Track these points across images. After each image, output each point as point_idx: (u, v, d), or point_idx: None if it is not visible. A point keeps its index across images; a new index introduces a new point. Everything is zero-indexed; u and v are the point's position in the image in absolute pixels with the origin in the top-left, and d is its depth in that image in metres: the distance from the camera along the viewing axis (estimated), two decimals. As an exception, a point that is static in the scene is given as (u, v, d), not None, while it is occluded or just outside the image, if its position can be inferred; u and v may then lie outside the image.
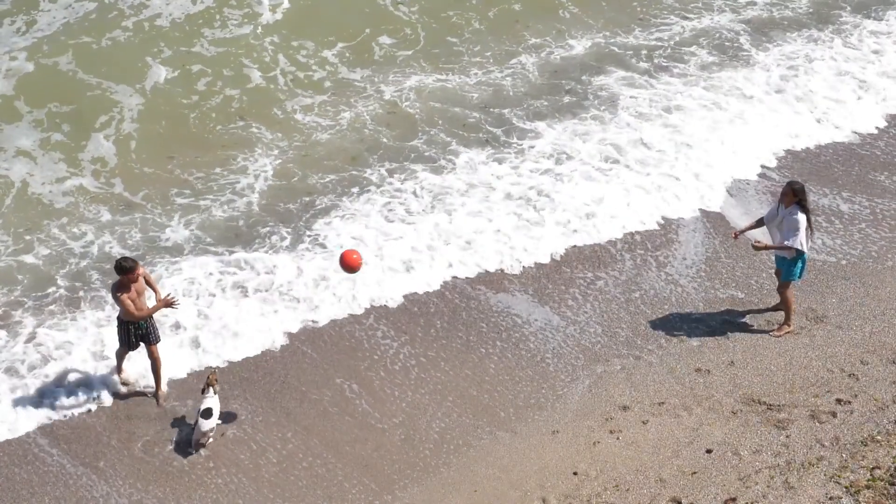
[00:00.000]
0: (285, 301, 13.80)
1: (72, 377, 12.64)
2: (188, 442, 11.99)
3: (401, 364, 12.96)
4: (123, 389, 12.59)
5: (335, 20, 19.12)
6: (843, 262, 14.33)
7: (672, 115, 17.11)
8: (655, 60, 18.48)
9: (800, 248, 12.60)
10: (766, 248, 12.88)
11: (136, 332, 12.27)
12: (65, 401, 12.40)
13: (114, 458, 11.88)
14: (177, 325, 13.31)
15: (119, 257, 12.52)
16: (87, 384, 12.62)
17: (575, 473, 11.53)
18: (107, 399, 12.50)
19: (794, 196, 12.59)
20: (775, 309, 13.47)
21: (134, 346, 12.39)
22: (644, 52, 18.69)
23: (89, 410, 12.37)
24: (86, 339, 13.15)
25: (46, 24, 18.49)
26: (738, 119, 17.10)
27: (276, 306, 13.72)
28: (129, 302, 11.96)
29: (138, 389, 12.60)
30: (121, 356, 12.62)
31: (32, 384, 12.55)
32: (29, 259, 14.28)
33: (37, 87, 17.18)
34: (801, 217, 12.59)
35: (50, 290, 13.81)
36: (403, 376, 12.82)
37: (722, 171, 16.06)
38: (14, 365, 12.76)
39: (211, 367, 12.74)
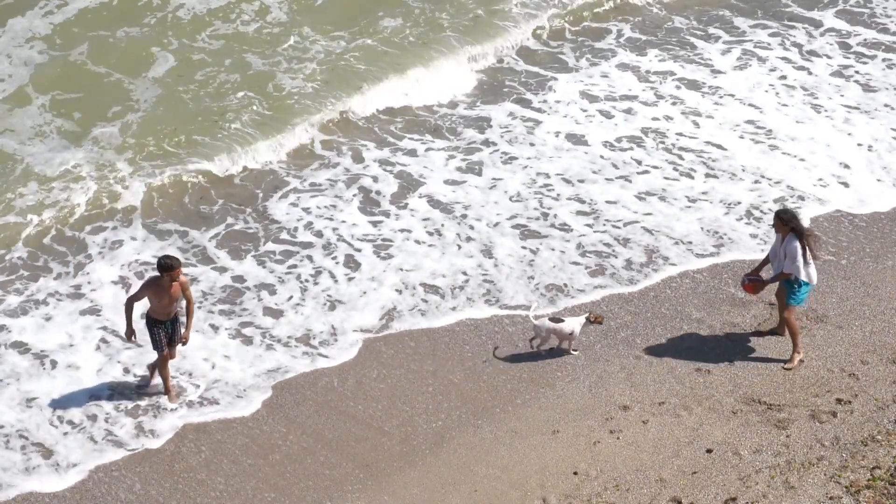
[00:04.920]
0: (278, 302, 13.85)
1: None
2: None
3: (400, 364, 12.97)
4: (173, 405, 12.47)
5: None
6: (843, 261, 14.33)
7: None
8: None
9: (797, 274, 12.32)
10: (765, 284, 12.71)
11: (165, 333, 12.18)
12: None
13: (114, 453, 11.90)
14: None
15: (162, 256, 12.18)
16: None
17: (575, 473, 11.53)
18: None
19: (783, 225, 12.36)
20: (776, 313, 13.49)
21: (167, 348, 12.24)
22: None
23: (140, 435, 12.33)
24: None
25: (68, 12, 18.77)
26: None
27: (268, 311, 13.78)
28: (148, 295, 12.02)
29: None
30: (162, 368, 12.38)
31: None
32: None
33: (49, 74, 17.61)
34: (797, 244, 12.32)
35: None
36: (402, 376, 12.82)
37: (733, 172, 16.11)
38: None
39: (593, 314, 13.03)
